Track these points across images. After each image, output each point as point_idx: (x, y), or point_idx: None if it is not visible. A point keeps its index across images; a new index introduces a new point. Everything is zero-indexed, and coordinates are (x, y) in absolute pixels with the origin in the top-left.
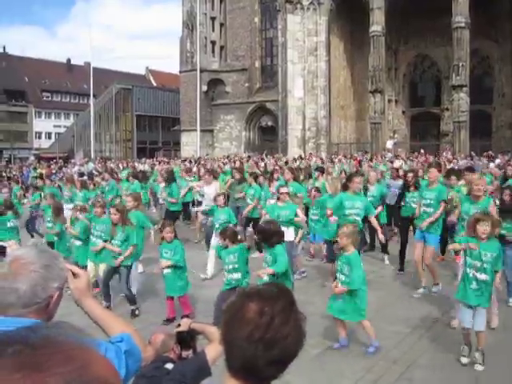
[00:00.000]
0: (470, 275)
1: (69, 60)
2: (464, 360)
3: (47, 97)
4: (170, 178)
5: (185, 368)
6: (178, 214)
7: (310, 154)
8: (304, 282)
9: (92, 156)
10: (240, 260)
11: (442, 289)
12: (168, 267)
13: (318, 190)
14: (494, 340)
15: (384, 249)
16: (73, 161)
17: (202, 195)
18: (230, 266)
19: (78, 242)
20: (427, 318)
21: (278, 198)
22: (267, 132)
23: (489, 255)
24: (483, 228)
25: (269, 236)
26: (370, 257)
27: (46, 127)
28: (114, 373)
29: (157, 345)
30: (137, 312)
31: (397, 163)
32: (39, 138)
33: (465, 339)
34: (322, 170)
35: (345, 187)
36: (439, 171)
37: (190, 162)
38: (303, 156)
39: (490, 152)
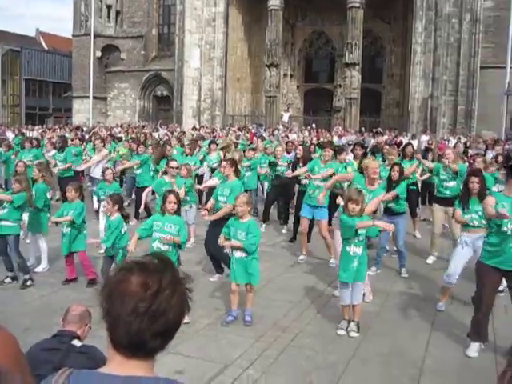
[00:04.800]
0: (351, 254)
1: None
2: (341, 332)
3: None
4: (63, 145)
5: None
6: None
7: (202, 126)
8: (193, 254)
9: None
10: (113, 232)
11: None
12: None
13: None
14: (374, 309)
15: (285, 220)
16: None
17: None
18: (105, 237)
19: None
20: (315, 287)
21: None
22: (162, 101)
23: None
24: (352, 206)
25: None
26: (262, 228)
27: None
28: (7, 359)
29: (75, 312)
30: (28, 283)
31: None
32: None
33: (343, 314)
34: (215, 143)
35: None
36: (333, 149)
37: (82, 130)
38: (198, 127)
39: (379, 129)
